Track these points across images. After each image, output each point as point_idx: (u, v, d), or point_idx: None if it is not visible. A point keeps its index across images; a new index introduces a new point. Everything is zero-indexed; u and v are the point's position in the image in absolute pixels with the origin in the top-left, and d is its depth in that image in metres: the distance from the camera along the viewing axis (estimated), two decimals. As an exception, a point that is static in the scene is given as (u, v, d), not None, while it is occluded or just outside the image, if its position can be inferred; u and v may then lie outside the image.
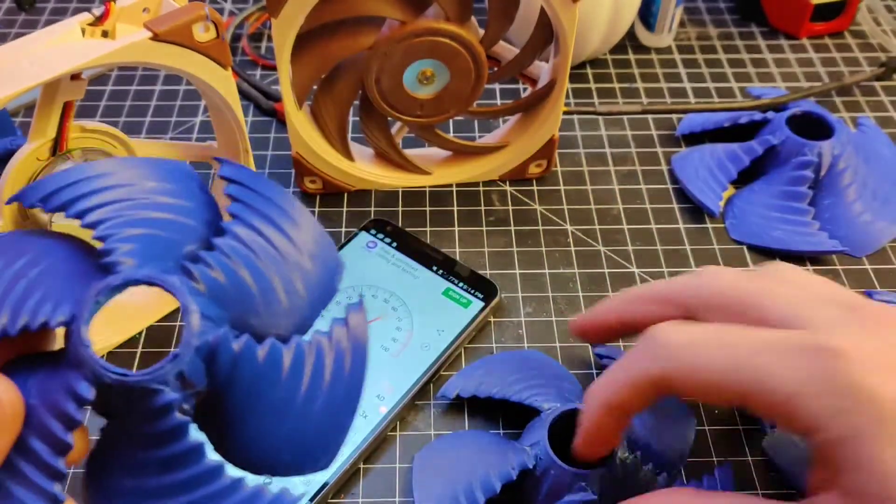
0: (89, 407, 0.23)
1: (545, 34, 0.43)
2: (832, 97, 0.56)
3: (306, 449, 0.24)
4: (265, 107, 0.54)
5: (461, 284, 0.42)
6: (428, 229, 0.47)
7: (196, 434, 0.24)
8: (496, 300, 0.42)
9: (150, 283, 0.23)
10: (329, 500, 0.35)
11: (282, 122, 0.53)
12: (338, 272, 0.26)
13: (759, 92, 0.54)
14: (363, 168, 0.48)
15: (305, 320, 0.26)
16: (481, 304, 0.42)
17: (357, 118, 0.46)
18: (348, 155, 0.47)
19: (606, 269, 0.45)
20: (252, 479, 0.24)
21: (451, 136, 0.48)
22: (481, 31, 0.43)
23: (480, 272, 0.43)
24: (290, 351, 0.24)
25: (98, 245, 0.24)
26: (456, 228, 0.47)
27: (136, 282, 0.23)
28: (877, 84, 0.58)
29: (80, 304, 0.23)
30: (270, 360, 0.24)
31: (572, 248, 0.46)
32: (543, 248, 0.46)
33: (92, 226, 0.24)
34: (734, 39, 0.62)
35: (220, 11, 0.63)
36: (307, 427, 0.24)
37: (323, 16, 0.40)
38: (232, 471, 0.24)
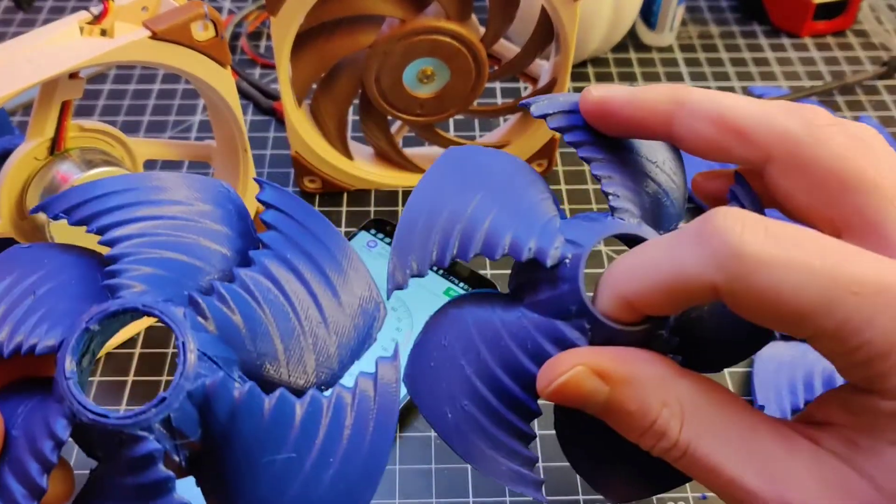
0: (78, 446, 0.21)
1: (546, 33, 0.43)
2: (834, 96, 0.56)
3: None
4: (264, 106, 0.54)
5: (461, 284, 0.42)
6: (428, 229, 0.47)
7: (182, 494, 0.20)
8: (497, 300, 0.42)
9: (149, 313, 0.21)
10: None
11: (281, 122, 0.53)
12: (377, 320, 0.23)
13: (761, 91, 0.54)
14: (363, 167, 0.48)
15: (333, 375, 0.22)
16: (482, 304, 0.41)
17: (357, 117, 0.46)
18: (348, 154, 0.47)
19: (607, 269, 0.45)
20: None
21: (451, 135, 0.48)
22: (482, 30, 0.42)
23: (480, 272, 0.43)
24: (304, 405, 0.21)
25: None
26: (456, 228, 0.47)
27: (134, 310, 0.21)
28: (879, 83, 0.57)
29: (72, 330, 0.20)
30: (278, 414, 0.20)
31: (573, 248, 0.46)
32: (544, 248, 0.46)
33: (110, 243, 0.22)
34: (736, 38, 0.62)
35: (219, 10, 0.63)
36: (314, 500, 0.20)
37: (322, 14, 0.40)
38: None
